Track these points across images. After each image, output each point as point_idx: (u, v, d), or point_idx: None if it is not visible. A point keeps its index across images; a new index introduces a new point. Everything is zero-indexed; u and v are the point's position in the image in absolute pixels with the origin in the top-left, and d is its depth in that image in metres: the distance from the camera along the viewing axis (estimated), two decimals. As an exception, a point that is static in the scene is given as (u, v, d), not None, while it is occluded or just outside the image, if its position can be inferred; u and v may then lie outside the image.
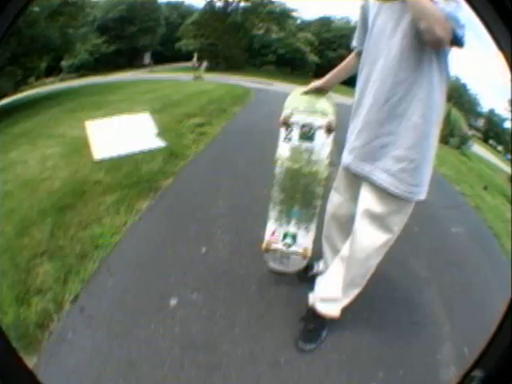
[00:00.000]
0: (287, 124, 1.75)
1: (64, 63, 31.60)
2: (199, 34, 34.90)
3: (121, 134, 4.28)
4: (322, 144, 1.73)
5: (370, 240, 1.49)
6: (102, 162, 3.64)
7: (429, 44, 1.20)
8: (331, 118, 1.72)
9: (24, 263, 2.15)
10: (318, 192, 1.80)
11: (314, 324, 1.73)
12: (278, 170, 1.83)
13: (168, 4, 41.12)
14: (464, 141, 17.56)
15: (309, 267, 2.05)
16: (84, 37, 17.68)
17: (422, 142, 1.31)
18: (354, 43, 1.68)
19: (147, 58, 34.68)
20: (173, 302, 1.92)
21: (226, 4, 35.86)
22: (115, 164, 3.55)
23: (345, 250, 1.63)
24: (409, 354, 1.79)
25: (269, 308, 1.92)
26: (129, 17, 36.63)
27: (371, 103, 1.37)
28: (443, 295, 2.27)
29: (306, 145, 1.76)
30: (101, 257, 2.19)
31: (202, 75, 20.70)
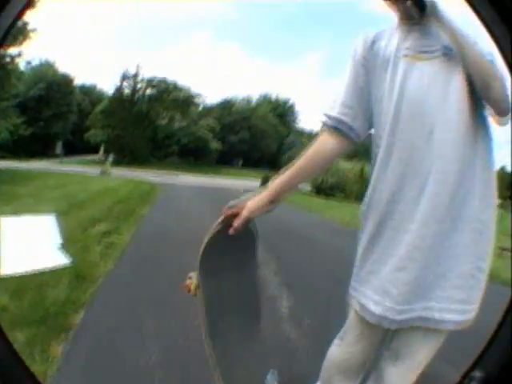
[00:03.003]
0: None
1: (-14, 141, 29.95)
2: (106, 124, 34.84)
3: (26, 242, 4.03)
4: None
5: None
6: (7, 278, 3.17)
7: (499, 113, 0.99)
8: None
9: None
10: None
11: None
12: None
13: (81, 88, 40.86)
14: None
15: None
16: (5, 112, 17.79)
17: (489, 249, 1.00)
18: (338, 114, 1.12)
19: (59, 148, 33.76)
20: None
21: (134, 91, 36.58)
22: (19, 285, 3.06)
23: None
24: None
25: None
26: (46, 97, 35.70)
27: (426, 214, 0.96)
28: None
29: None
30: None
31: (109, 169, 21.26)
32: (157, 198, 10.60)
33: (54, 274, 3.33)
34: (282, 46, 75.69)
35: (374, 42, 1.12)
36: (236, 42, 73.57)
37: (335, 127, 1.10)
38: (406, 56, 1.04)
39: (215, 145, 40.87)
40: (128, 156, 34.30)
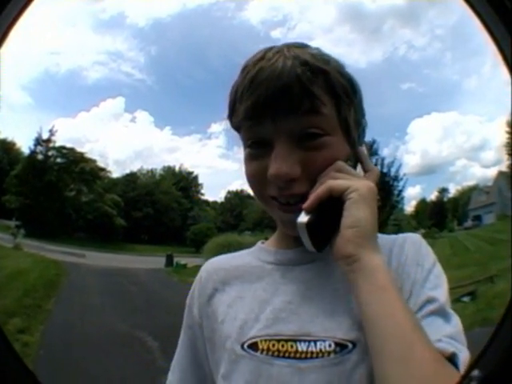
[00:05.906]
0: None
1: None
2: (19, 192, 34.74)
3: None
4: None
5: None
6: None
7: None
8: None
9: None
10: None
11: None
12: None
13: (3, 143, 41.40)
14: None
15: None
16: None
17: None
18: None
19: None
20: None
21: (46, 158, 37.02)
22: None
23: None
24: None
25: None
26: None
27: None
28: None
29: None
30: None
31: (21, 243, 22.01)
32: (63, 286, 11.57)
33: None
34: (188, 115, 78.73)
35: (213, 296, 0.69)
36: (146, 111, 74.83)
37: None
38: (261, 347, 0.58)
39: (120, 221, 40.85)
40: (39, 228, 33.64)
